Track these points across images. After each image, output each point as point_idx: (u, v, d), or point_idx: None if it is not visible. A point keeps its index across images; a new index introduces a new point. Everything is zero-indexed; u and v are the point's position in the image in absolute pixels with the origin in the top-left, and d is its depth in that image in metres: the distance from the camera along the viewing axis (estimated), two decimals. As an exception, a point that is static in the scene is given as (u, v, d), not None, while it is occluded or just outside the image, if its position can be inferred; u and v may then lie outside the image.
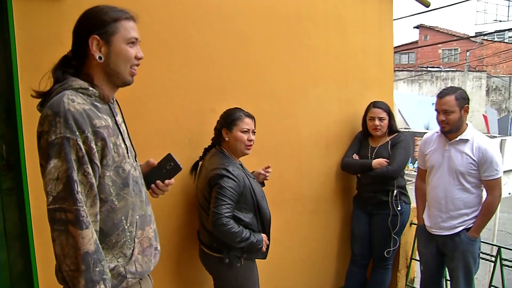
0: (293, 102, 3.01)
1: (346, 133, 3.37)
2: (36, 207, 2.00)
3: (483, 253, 3.02)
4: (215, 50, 2.61)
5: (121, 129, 1.48)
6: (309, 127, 3.13)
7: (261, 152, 2.83)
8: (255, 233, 2.29)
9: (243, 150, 2.35)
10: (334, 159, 3.32)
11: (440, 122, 2.69)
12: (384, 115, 3.18)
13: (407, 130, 14.00)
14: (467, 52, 19.42)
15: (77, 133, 1.26)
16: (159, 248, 1.60)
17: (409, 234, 3.52)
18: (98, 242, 1.29)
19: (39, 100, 1.42)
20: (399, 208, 3.13)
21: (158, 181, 1.63)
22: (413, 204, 3.31)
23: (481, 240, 2.78)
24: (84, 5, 2.09)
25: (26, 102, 1.96)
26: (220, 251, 2.29)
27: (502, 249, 3.12)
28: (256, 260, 2.43)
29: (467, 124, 2.72)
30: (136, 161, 1.56)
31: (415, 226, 3.54)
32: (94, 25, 1.41)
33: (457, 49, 24.55)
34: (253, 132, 2.39)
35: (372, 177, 3.12)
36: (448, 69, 21.54)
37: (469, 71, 19.89)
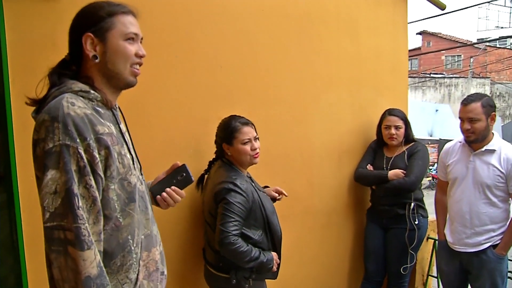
0: (304, 109, 2.83)
1: (359, 142, 3.19)
2: (28, 222, 1.84)
3: (511, 272, 2.81)
4: (221, 53, 2.44)
5: (126, 138, 1.32)
6: (321, 135, 2.95)
7: (270, 162, 2.65)
8: (265, 252, 2.11)
9: (250, 161, 2.17)
10: (347, 170, 3.14)
11: (464, 131, 2.51)
12: (400, 123, 3.00)
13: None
14: (471, 59, 19.31)
15: (78, 140, 1.11)
16: (165, 272, 1.42)
17: (425, 249, 3.33)
18: (102, 264, 1.13)
19: (29, 105, 1.26)
20: (416, 222, 2.93)
21: (167, 189, 1.47)
22: (430, 217, 3.12)
23: (509, 258, 2.59)
24: (79, 4, 1.95)
25: (18, 108, 1.80)
26: (227, 271, 2.10)
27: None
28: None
29: (493, 133, 2.54)
30: (141, 174, 1.39)
31: (432, 240, 3.36)
32: (88, 22, 1.26)
33: (460, 55, 24.45)
34: (256, 139, 2.19)
35: (388, 189, 2.93)
36: (452, 75, 21.43)
37: (472, 77, 19.77)
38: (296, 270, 2.87)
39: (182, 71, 2.30)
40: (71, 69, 1.28)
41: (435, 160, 12.75)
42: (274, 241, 2.19)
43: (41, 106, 1.20)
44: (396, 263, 2.99)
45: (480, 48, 22.06)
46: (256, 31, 2.58)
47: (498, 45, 24.98)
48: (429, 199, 3.09)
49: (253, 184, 2.20)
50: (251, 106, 2.56)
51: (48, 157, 1.10)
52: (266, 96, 2.64)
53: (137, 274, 1.26)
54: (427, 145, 3.01)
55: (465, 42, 25.06)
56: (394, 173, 2.92)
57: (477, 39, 30.42)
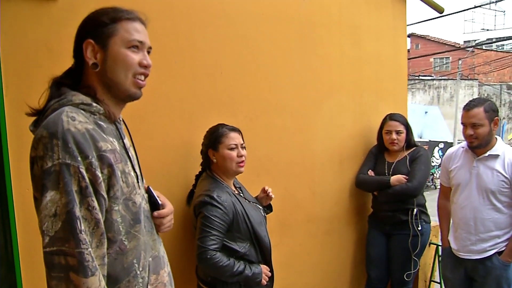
0: (305, 115, 2.78)
1: (360, 147, 3.14)
2: (23, 235, 1.77)
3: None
4: (222, 58, 2.38)
5: (130, 154, 1.24)
6: (323, 142, 2.90)
7: (272, 170, 2.61)
8: (252, 265, 2.02)
9: (234, 168, 2.08)
10: (348, 176, 3.09)
11: (467, 136, 2.47)
12: (401, 128, 2.96)
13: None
14: (459, 61, 19.50)
15: (79, 158, 1.03)
16: None
17: (428, 255, 3.29)
18: None
19: (29, 115, 1.18)
20: (419, 228, 2.90)
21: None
22: (433, 223, 3.09)
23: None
24: (76, 7, 1.87)
25: (12, 115, 1.73)
26: (215, 286, 2.02)
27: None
28: None
29: (496, 138, 2.51)
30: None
31: (434, 246, 3.33)
32: (90, 28, 1.19)
33: (449, 57, 24.70)
34: (243, 147, 2.11)
35: (390, 195, 2.89)
36: (440, 77, 21.63)
37: (461, 79, 19.97)
38: (298, 278, 2.82)
39: (182, 77, 2.24)
40: (73, 79, 1.21)
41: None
42: (263, 253, 2.11)
43: (40, 119, 1.13)
44: (400, 269, 2.95)
45: (468, 51, 22.30)
46: (257, 36, 2.52)
47: (484, 47, 25.30)
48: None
49: (241, 195, 2.14)
50: (252, 112, 2.50)
51: (47, 177, 1.02)
52: (267, 102, 2.58)
53: None
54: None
55: (453, 44, 25.34)
56: (397, 179, 2.88)
57: (464, 41, 30.83)
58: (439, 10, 3.42)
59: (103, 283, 1.04)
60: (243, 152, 2.10)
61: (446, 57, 25.17)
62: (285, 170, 2.69)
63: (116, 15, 1.20)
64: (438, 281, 3.28)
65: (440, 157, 16.33)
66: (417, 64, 25.33)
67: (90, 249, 1.02)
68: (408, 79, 21.24)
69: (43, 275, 1.06)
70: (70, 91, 1.16)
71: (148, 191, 1.36)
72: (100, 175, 1.07)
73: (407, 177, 2.87)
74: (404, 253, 2.92)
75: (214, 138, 2.09)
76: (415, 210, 2.90)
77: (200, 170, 2.22)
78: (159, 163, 2.16)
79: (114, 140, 1.18)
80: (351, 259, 3.21)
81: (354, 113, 3.08)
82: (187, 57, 2.25)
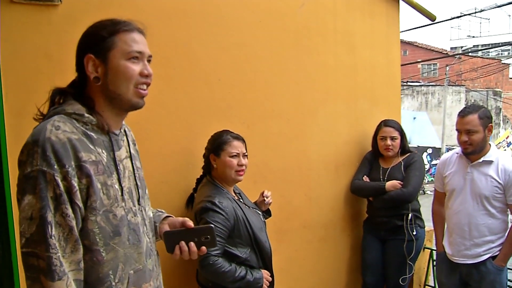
0: (302, 122, 2.81)
1: (355, 154, 3.17)
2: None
3: (509, 280, 2.82)
4: (220, 66, 2.40)
5: (120, 167, 1.23)
6: (319, 148, 2.92)
7: (268, 177, 2.62)
8: (253, 270, 2.04)
9: (233, 176, 2.10)
10: (344, 182, 3.12)
11: (462, 143, 2.51)
12: (396, 134, 3.00)
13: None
14: (447, 67, 19.77)
15: (56, 166, 1.07)
16: None
17: (422, 259, 3.32)
18: None
19: (27, 123, 1.22)
20: (414, 233, 2.93)
21: (191, 243, 1.34)
22: (427, 228, 3.12)
23: (509, 267, 2.59)
24: (76, 14, 1.88)
25: (11, 123, 1.74)
26: None
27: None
28: None
29: (490, 144, 2.55)
30: (139, 204, 1.30)
31: (428, 250, 3.36)
32: (90, 43, 1.21)
33: (436, 64, 25.01)
34: (244, 156, 2.14)
35: (386, 201, 2.92)
36: (428, 83, 21.89)
37: (448, 85, 20.23)
38: (293, 284, 2.83)
39: (180, 85, 2.25)
40: (75, 89, 1.23)
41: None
42: (263, 258, 2.13)
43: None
44: (395, 274, 2.97)
45: (455, 57, 22.63)
46: (255, 44, 2.54)
47: (471, 54, 25.69)
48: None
49: (241, 201, 2.15)
50: (249, 119, 2.52)
51: (26, 181, 1.07)
52: (264, 109, 2.60)
53: None
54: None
55: (440, 50, 25.67)
56: (392, 184, 2.91)
57: (451, 48, 31.26)
58: (431, 18, 3.48)
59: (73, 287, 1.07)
60: (244, 161, 2.12)
61: (433, 64, 25.49)
62: (281, 176, 2.71)
63: (114, 28, 1.21)
64: (432, 285, 3.31)
65: (428, 162, 16.50)
66: (405, 70, 25.60)
67: (59, 254, 1.05)
68: (397, 85, 21.50)
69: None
70: (70, 99, 1.19)
71: (210, 229, 1.37)
72: (76, 184, 1.09)
73: (402, 183, 2.90)
74: (399, 258, 2.94)
75: (217, 144, 2.11)
76: (410, 215, 2.93)
77: (201, 174, 2.23)
78: (158, 171, 2.16)
79: (104, 151, 1.19)
80: (347, 265, 3.22)
81: (349, 120, 3.11)
82: (186, 64, 2.26)
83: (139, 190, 1.31)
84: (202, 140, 2.24)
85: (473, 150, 2.50)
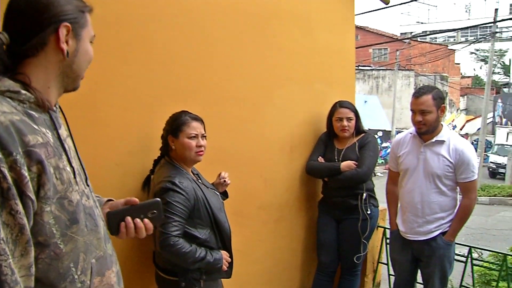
0: (258, 104, 2.75)
1: (310, 135, 3.16)
2: None
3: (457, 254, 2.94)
4: (177, 48, 2.30)
5: (66, 146, 1.09)
6: (274, 130, 2.89)
7: (225, 159, 2.56)
8: (213, 251, 2.02)
9: (193, 157, 2.05)
10: (298, 163, 3.10)
11: (416, 123, 2.55)
12: (351, 115, 3.01)
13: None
14: (397, 52, 20.36)
15: (1, 156, 0.88)
16: None
17: (376, 238, 3.39)
18: None
19: None
20: (368, 212, 2.97)
21: (137, 219, 1.25)
22: (380, 207, 3.18)
23: (456, 242, 2.69)
24: None
25: None
26: (176, 274, 1.99)
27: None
28: None
29: (442, 125, 2.61)
30: (88, 185, 1.17)
31: (382, 229, 3.43)
32: (64, 10, 1.05)
33: (387, 48, 25.69)
34: (203, 137, 2.08)
35: (341, 181, 2.93)
36: (379, 67, 22.48)
37: (399, 70, 20.87)
38: (250, 266, 2.80)
39: (135, 66, 2.13)
40: (4, 63, 1.02)
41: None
42: (223, 239, 2.11)
43: None
44: (350, 253, 3.01)
45: (405, 42, 23.35)
46: (212, 26, 2.45)
47: (419, 39, 26.58)
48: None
49: (198, 181, 2.11)
50: (205, 102, 2.44)
51: None
52: (220, 92, 2.53)
53: None
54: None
55: (390, 35, 26.36)
56: (347, 165, 2.92)
57: (400, 33, 32.22)
58: (385, 1, 3.50)
59: None
60: (203, 142, 2.06)
61: (384, 48, 26.18)
62: (237, 158, 2.65)
63: (82, 5, 1.10)
64: (386, 262, 3.39)
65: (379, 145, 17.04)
66: (357, 55, 26.13)
67: (10, 260, 0.89)
68: (349, 69, 21.99)
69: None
70: None
71: (157, 203, 1.30)
72: (26, 174, 0.92)
73: (356, 163, 2.93)
74: (354, 237, 2.98)
75: (176, 125, 2.04)
76: (364, 194, 2.96)
77: (158, 155, 2.15)
78: (113, 153, 2.06)
79: (47, 131, 1.03)
80: (302, 245, 3.24)
81: (304, 101, 3.09)
82: (142, 46, 2.14)
83: (85, 171, 1.19)
84: (158, 122, 2.14)
85: (426, 130, 2.54)
